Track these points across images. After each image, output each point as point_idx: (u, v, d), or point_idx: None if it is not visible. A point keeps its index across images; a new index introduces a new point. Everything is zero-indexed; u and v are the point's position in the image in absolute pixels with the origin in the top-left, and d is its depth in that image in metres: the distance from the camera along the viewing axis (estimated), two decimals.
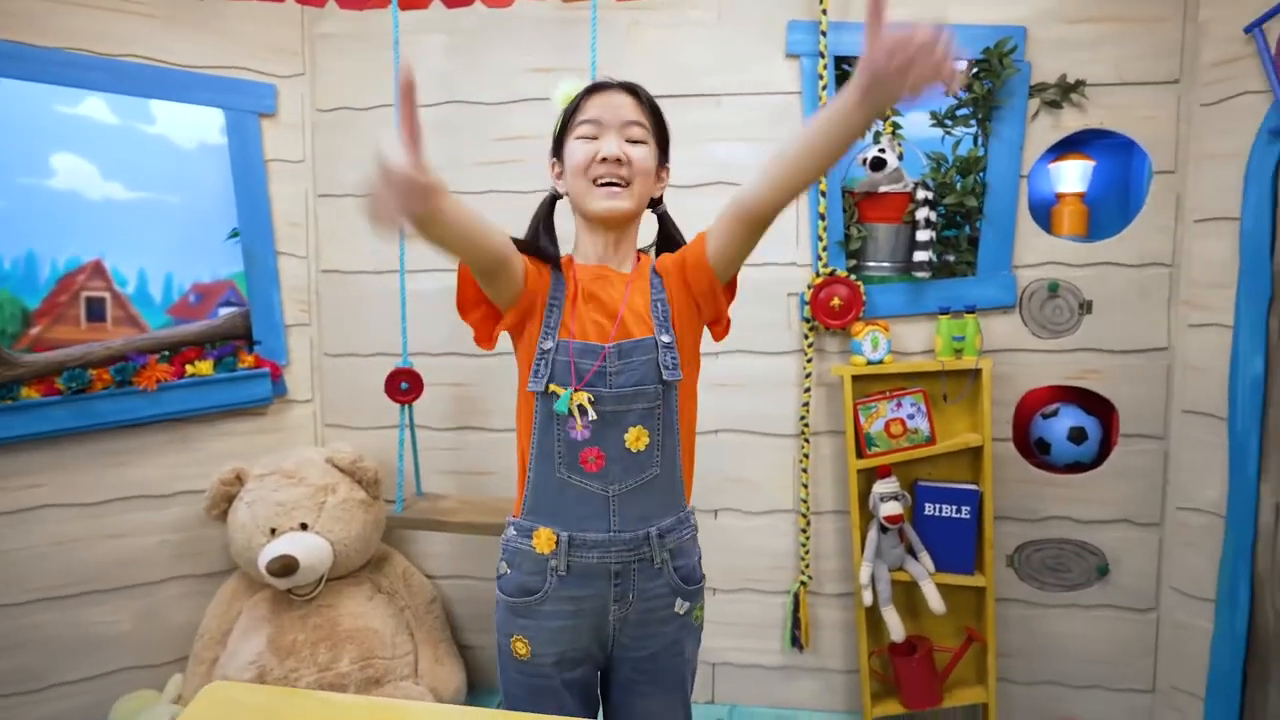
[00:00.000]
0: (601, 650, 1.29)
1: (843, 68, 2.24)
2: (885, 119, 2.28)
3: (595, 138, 1.25)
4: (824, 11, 2.16)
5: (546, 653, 1.25)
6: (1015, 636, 2.32)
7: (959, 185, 2.21)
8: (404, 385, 2.17)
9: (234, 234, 2.45)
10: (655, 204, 1.37)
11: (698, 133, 2.29)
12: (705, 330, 1.34)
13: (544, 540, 1.24)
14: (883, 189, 2.25)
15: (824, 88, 2.20)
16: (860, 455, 2.22)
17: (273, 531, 2.16)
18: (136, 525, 2.29)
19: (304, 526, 2.18)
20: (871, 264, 2.30)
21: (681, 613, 1.29)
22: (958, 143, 2.27)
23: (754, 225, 1.17)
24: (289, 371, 2.46)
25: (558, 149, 1.33)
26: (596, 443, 1.22)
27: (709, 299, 1.27)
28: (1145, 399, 2.24)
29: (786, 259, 2.31)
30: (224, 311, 2.49)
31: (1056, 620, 2.33)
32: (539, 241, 1.31)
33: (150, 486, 2.30)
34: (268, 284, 2.42)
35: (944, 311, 2.21)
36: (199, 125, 2.41)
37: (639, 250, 1.36)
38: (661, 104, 2.30)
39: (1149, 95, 2.16)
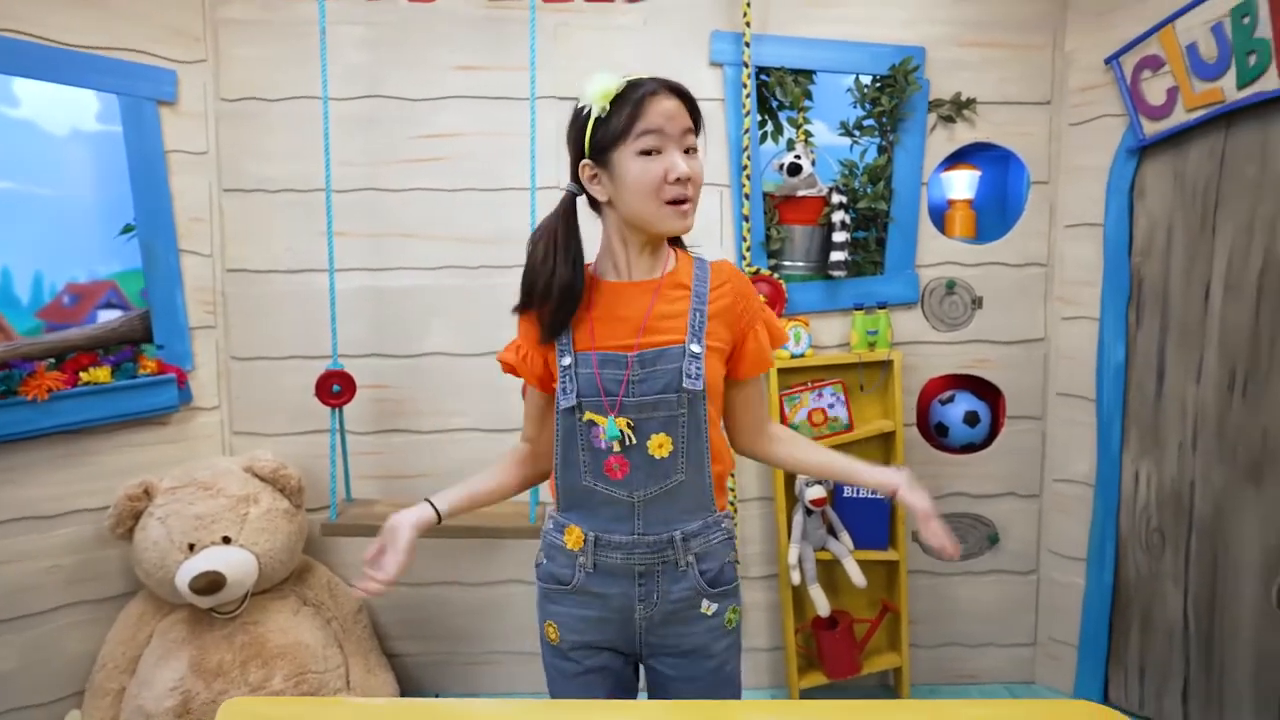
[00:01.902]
0: (629, 646, 1.31)
1: (762, 78, 2.36)
2: (798, 127, 2.43)
3: (659, 151, 1.18)
4: (747, 24, 2.27)
5: (572, 639, 1.30)
6: (921, 604, 2.54)
7: (870, 191, 2.39)
8: (336, 388, 2.09)
9: (128, 229, 2.27)
10: None
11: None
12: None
13: (574, 537, 1.28)
14: (800, 193, 2.39)
15: (747, 95, 2.31)
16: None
17: (191, 547, 2.03)
18: (23, 550, 2.07)
19: (226, 540, 2.06)
20: (788, 263, 2.45)
21: (710, 614, 1.28)
22: (864, 152, 2.46)
23: (739, 444, 1.41)
24: (194, 377, 2.30)
25: (597, 153, 1.22)
26: (621, 451, 1.23)
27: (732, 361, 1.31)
28: (1026, 384, 2.51)
29: (712, 259, 2.40)
30: (108, 315, 2.31)
31: (955, 587, 2.57)
32: (562, 291, 1.24)
33: (39, 506, 2.09)
34: (170, 284, 2.25)
35: (858, 308, 2.38)
36: (72, 110, 2.22)
37: (681, 249, 1.33)
38: None
39: (1026, 114, 2.43)
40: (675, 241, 1.33)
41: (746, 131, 2.31)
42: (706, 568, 1.28)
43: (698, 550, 1.27)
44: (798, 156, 2.37)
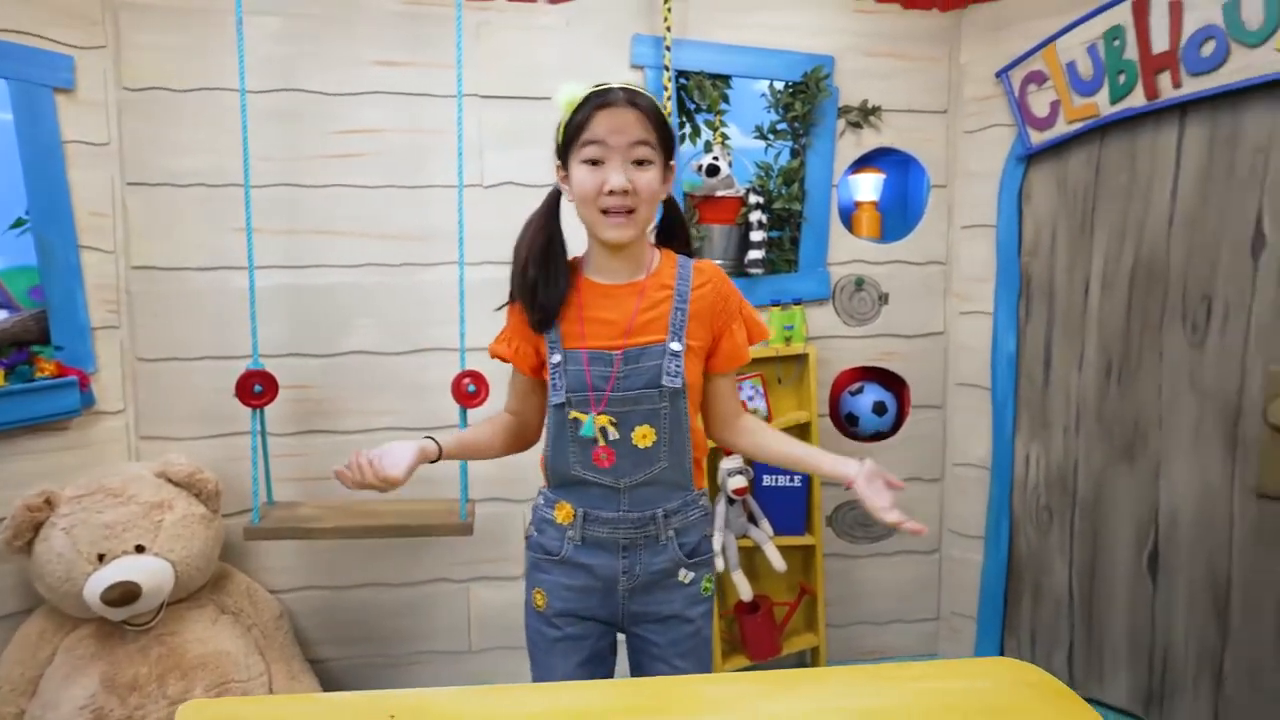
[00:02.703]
0: (611, 615, 1.40)
1: (681, 81, 2.43)
2: (715, 130, 2.51)
3: (601, 162, 1.25)
4: (668, 29, 2.34)
5: (560, 607, 1.39)
6: (835, 586, 2.67)
7: (784, 192, 2.50)
8: (257, 388, 2.03)
9: (19, 223, 2.14)
10: None
11: (547, 134, 2.36)
12: None
13: (564, 513, 1.37)
14: (719, 194, 2.48)
15: (668, 99, 2.38)
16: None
17: (100, 558, 1.94)
18: None
19: (140, 549, 1.97)
20: None
21: (687, 582, 1.39)
22: (778, 154, 2.56)
23: (725, 443, 1.49)
24: (97, 380, 2.19)
25: (563, 154, 1.32)
26: (607, 442, 1.32)
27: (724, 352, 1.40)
28: (928, 375, 2.68)
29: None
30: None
31: (865, 568, 2.71)
32: (538, 280, 1.32)
33: None
34: (69, 281, 2.14)
35: (775, 304, 2.49)
36: None
37: (664, 248, 1.40)
38: (513, 105, 2.36)
39: (926, 121, 2.59)
40: (667, 241, 1.42)
41: None
42: (685, 540, 1.39)
43: (677, 525, 1.37)
44: (716, 158, 2.46)
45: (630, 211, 1.26)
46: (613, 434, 1.30)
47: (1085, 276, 2.37)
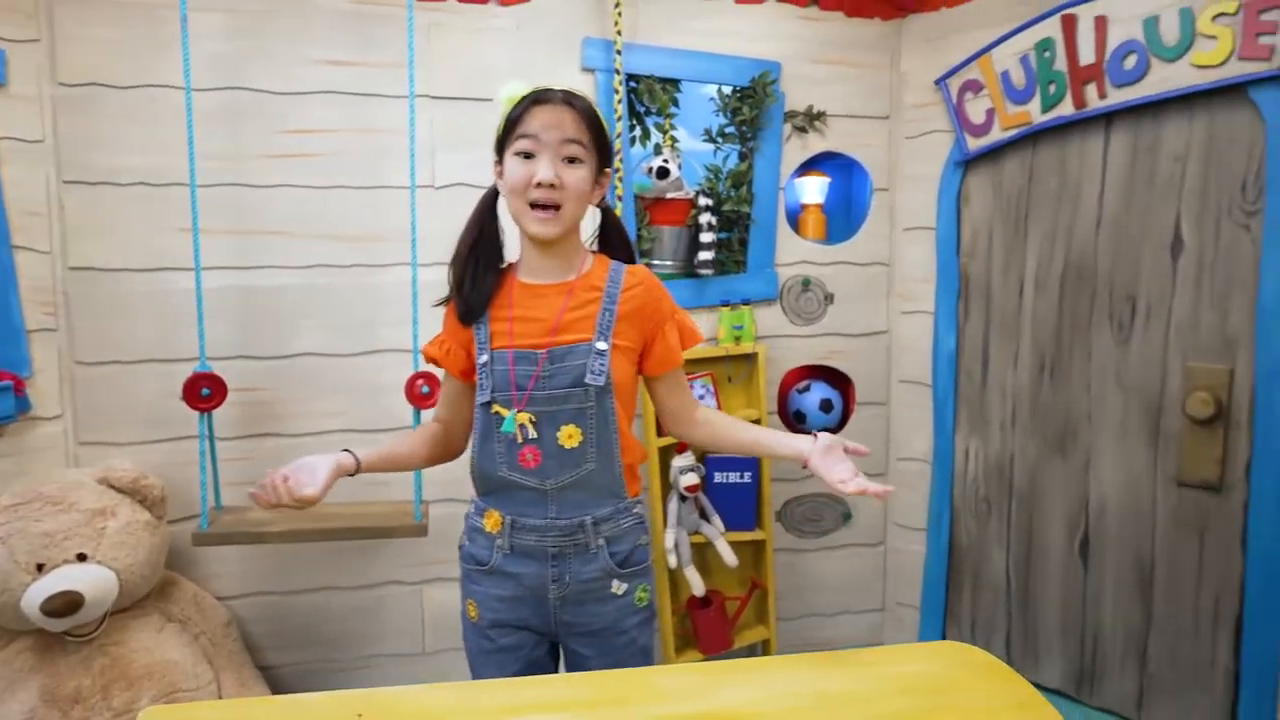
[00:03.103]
0: (544, 625, 1.39)
1: (631, 84, 2.46)
2: (664, 133, 2.55)
3: (532, 155, 1.28)
4: (618, 32, 2.37)
5: (491, 618, 1.38)
6: (785, 579, 2.73)
7: (733, 195, 2.55)
8: (205, 391, 2.00)
9: None
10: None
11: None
12: None
13: (493, 521, 1.37)
14: (669, 196, 2.52)
15: (619, 102, 2.40)
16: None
17: (39, 567, 1.88)
18: None
19: (82, 557, 1.92)
20: (658, 262, 2.56)
21: (620, 594, 1.37)
22: (726, 157, 2.61)
23: (669, 430, 1.52)
24: (33, 385, 2.12)
25: (500, 150, 1.35)
26: (532, 441, 1.31)
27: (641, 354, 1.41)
28: (873, 373, 2.76)
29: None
30: None
31: (813, 562, 2.78)
32: (465, 275, 1.36)
33: None
34: (3, 283, 2.07)
35: (725, 304, 2.54)
36: None
37: (598, 252, 1.44)
38: (464, 106, 2.36)
39: (869, 126, 2.67)
40: (609, 251, 1.45)
41: (619, 136, 2.41)
42: (616, 550, 1.37)
43: (608, 534, 1.36)
44: (666, 161, 2.50)
45: (557, 208, 1.29)
46: (531, 432, 1.29)
47: (1020, 277, 2.48)
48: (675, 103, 2.51)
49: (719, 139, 2.59)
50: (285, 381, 2.31)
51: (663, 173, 2.49)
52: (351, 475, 1.38)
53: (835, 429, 2.76)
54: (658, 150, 2.54)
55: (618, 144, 2.42)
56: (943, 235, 2.62)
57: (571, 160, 1.29)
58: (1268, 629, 2.04)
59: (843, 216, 2.90)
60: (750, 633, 2.64)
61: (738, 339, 2.53)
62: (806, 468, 1.35)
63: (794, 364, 2.70)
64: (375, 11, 2.26)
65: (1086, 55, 2.23)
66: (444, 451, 1.51)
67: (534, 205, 1.29)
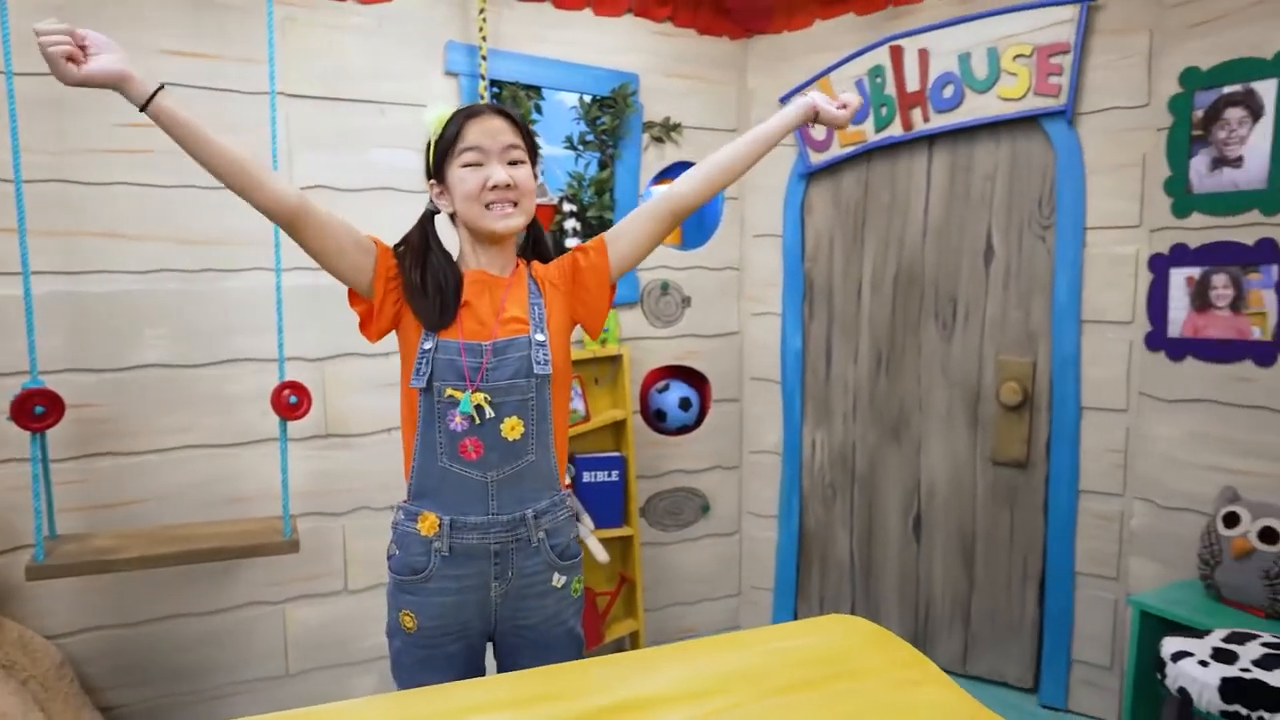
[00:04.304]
0: (484, 624, 1.38)
1: (493, 89, 2.47)
2: None
3: (481, 164, 1.34)
4: (483, 38, 2.37)
5: (431, 626, 1.35)
6: (649, 572, 2.84)
7: (596, 201, 2.62)
8: (39, 409, 1.81)
9: None
10: None
11: (361, 137, 2.32)
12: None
13: (428, 524, 1.34)
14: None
15: None
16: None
17: None
18: None
19: None
20: None
21: (559, 586, 1.40)
22: (587, 165, 2.68)
23: (679, 218, 1.47)
24: None
25: (438, 172, 1.38)
26: (475, 433, 1.32)
27: (596, 303, 1.43)
28: (727, 371, 2.93)
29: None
30: None
31: (675, 554, 2.91)
32: (429, 282, 1.34)
33: None
34: None
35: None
36: None
37: (518, 257, 1.46)
38: (323, 106, 2.29)
39: (720, 138, 2.82)
40: (534, 253, 1.48)
41: None
42: (555, 542, 1.40)
43: (547, 526, 1.39)
44: None
45: (515, 203, 1.35)
46: (489, 412, 1.31)
47: (858, 281, 2.72)
48: (539, 110, 2.55)
49: (580, 146, 2.65)
50: (124, 396, 2.13)
51: None
52: (140, 106, 1.22)
53: (694, 426, 2.90)
54: None
55: None
56: (788, 242, 2.83)
57: (514, 163, 1.36)
58: (1063, 583, 2.38)
59: (695, 223, 3.05)
60: (619, 626, 2.72)
61: (604, 342, 2.60)
62: (818, 119, 1.52)
63: (654, 365, 2.82)
64: (223, 1, 2.14)
65: (912, 83, 2.49)
66: (274, 194, 1.27)
67: (490, 206, 1.34)
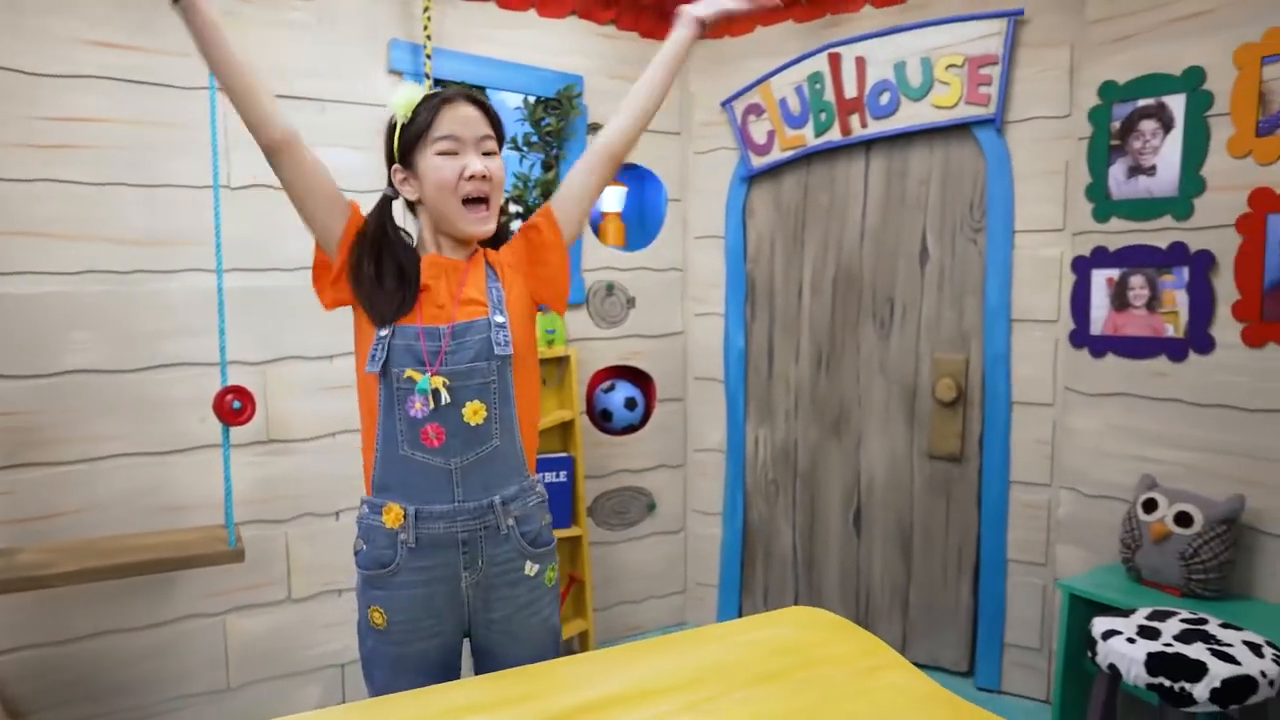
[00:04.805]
0: (458, 618, 1.35)
1: (438, 89, 2.45)
2: None
3: (456, 154, 1.31)
4: (428, 37, 2.35)
5: (401, 621, 1.31)
6: (596, 571, 2.85)
7: (541, 202, 2.61)
8: None
9: None
10: None
11: (301, 135, 2.26)
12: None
13: (393, 515, 1.31)
14: None
15: None
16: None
17: None
18: None
19: None
20: None
21: (532, 575, 1.37)
22: (532, 166, 2.68)
23: (617, 160, 1.48)
24: None
25: (404, 158, 1.34)
26: (435, 419, 1.29)
27: (557, 274, 1.42)
28: (671, 371, 2.97)
29: None
30: None
31: (622, 553, 2.93)
32: (387, 273, 1.32)
33: None
34: None
35: (538, 309, 2.59)
36: None
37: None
38: None
39: (663, 141, 2.86)
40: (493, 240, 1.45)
41: None
42: (526, 529, 1.37)
43: (517, 513, 1.36)
44: None
45: (486, 202, 1.34)
46: (445, 397, 1.28)
47: (798, 282, 2.79)
48: None
49: (525, 147, 2.65)
50: (51, 403, 2.03)
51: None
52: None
53: (639, 425, 2.93)
54: None
55: None
56: (730, 244, 2.88)
57: (488, 154, 1.35)
58: (996, 570, 2.50)
59: (638, 225, 3.08)
60: (570, 626, 2.73)
61: (550, 343, 2.61)
62: (707, 23, 1.56)
63: (600, 365, 2.83)
64: None
65: (850, 90, 2.57)
66: (269, 111, 1.30)
67: (467, 201, 1.32)
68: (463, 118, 1.32)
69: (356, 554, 1.37)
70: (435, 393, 1.28)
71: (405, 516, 1.31)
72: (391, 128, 1.35)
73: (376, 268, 1.31)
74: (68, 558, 1.84)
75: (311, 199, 1.33)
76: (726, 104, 2.80)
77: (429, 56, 2.36)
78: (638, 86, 1.52)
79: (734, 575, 2.99)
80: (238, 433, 2.11)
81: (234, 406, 1.93)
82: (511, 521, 1.35)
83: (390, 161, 1.37)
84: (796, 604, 2.89)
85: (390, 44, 2.36)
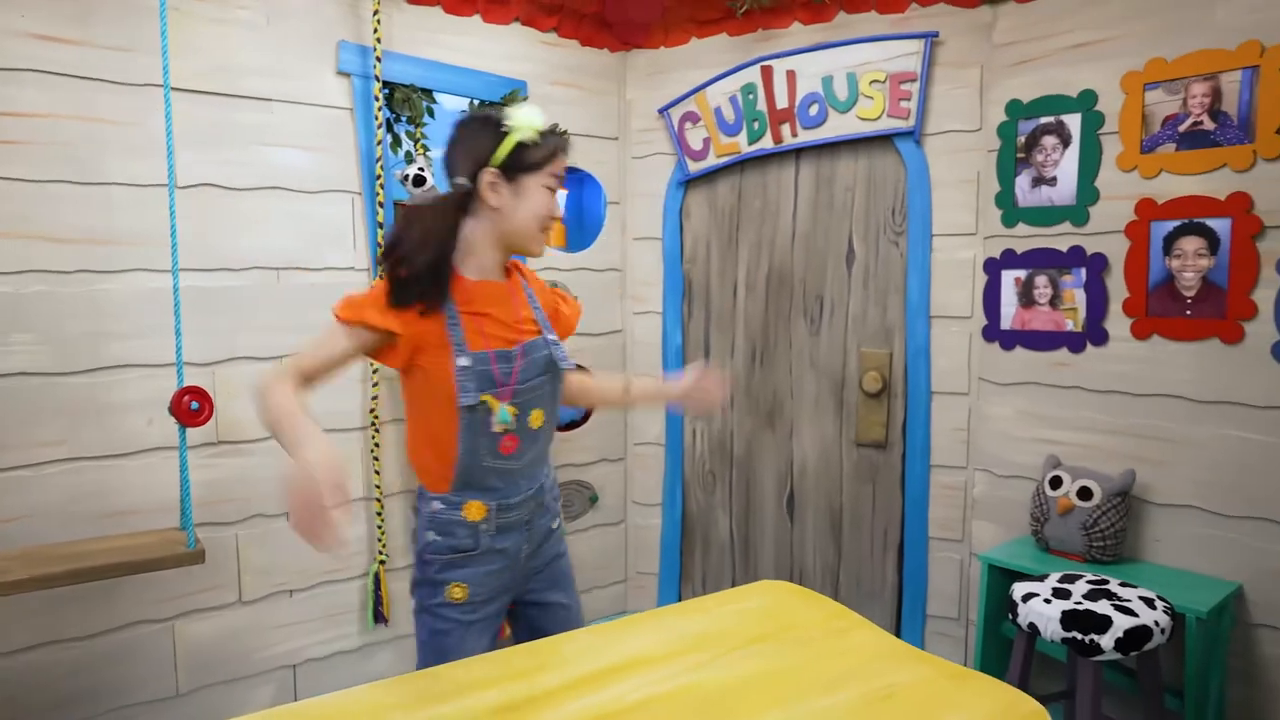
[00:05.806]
0: (517, 584, 1.57)
1: (386, 91, 2.47)
2: (416, 141, 2.60)
3: (553, 191, 1.50)
4: (378, 39, 2.37)
5: (481, 591, 1.51)
6: None
7: None
8: None
9: None
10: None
11: (249, 134, 2.25)
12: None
13: (475, 510, 1.48)
14: None
15: (380, 109, 2.40)
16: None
17: None
18: None
19: None
20: None
21: (556, 527, 1.65)
22: None
23: (569, 399, 1.70)
24: None
25: (510, 169, 1.44)
26: (512, 430, 1.46)
27: (564, 330, 1.64)
28: (611, 367, 3.06)
29: (346, 264, 2.45)
30: None
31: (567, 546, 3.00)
32: (428, 279, 1.40)
33: None
34: None
35: None
36: None
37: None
38: (209, 101, 2.22)
39: (603, 146, 2.96)
40: None
41: (380, 142, 2.41)
42: (554, 495, 1.63)
43: (548, 484, 1.60)
44: (421, 169, 2.53)
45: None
46: (513, 422, 1.46)
47: (733, 281, 2.94)
48: (431, 113, 2.56)
49: None
50: None
51: (419, 180, 2.52)
52: None
53: (581, 421, 3.02)
54: (409, 159, 2.57)
55: (379, 150, 2.43)
56: (668, 245, 3.00)
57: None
58: (918, 548, 2.71)
59: (577, 226, 3.16)
60: None
61: None
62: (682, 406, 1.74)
63: None
64: None
65: (781, 101, 2.73)
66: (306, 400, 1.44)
67: (543, 229, 1.50)
68: (564, 164, 1.52)
69: (426, 545, 1.50)
70: (509, 419, 1.45)
71: (489, 510, 1.48)
72: (499, 133, 1.43)
73: (440, 265, 1.41)
74: (18, 565, 1.79)
75: (351, 363, 1.47)
76: (664, 111, 2.92)
77: (379, 59, 2.38)
78: (598, 389, 1.78)
79: (673, 564, 3.12)
80: (197, 434, 2.10)
81: (192, 407, 1.92)
82: (551, 497, 1.60)
83: (481, 164, 1.42)
84: (733, 586, 3.03)
85: (339, 45, 2.37)
